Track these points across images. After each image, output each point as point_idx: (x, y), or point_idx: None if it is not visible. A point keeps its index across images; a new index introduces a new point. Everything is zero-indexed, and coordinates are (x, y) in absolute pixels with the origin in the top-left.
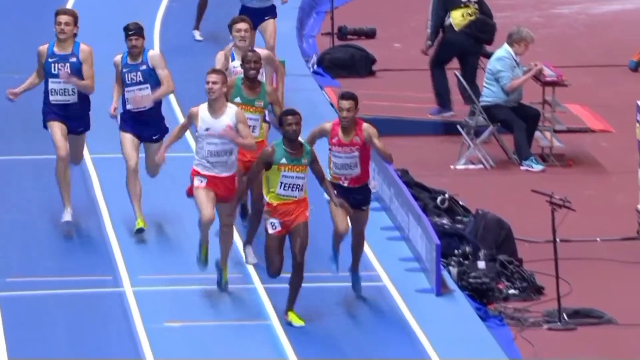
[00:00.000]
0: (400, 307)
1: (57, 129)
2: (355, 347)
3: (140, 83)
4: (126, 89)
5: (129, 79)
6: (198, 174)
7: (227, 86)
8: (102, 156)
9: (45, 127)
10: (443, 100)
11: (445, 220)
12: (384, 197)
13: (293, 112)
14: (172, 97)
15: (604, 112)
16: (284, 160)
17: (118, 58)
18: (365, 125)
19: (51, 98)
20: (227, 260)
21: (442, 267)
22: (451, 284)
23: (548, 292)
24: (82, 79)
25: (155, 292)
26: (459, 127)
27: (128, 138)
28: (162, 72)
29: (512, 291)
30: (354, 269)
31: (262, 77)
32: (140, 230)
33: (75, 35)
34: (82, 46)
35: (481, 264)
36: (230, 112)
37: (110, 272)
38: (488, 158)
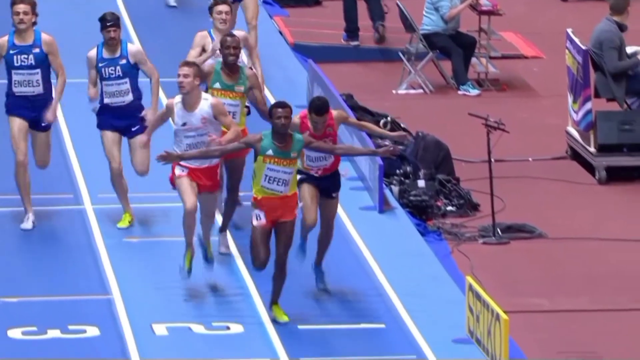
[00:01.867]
0: (345, 224)
1: (17, 127)
2: (304, 262)
3: (119, 77)
4: (105, 83)
5: (107, 73)
6: (179, 164)
7: (206, 72)
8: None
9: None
10: (350, 28)
11: (387, 142)
12: None
13: (283, 105)
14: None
15: (536, 39)
16: (270, 152)
17: (92, 53)
18: (335, 113)
19: (15, 90)
20: (209, 238)
21: (384, 185)
22: (393, 201)
23: (483, 209)
24: (47, 68)
25: (114, 210)
26: (400, 53)
27: (109, 137)
28: (146, 67)
29: (449, 208)
30: (317, 263)
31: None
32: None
33: (34, 24)
34: (45, 36)
35: (421, 183)
36: (205, 105)
37: (71, 190)
38: (428, 83)
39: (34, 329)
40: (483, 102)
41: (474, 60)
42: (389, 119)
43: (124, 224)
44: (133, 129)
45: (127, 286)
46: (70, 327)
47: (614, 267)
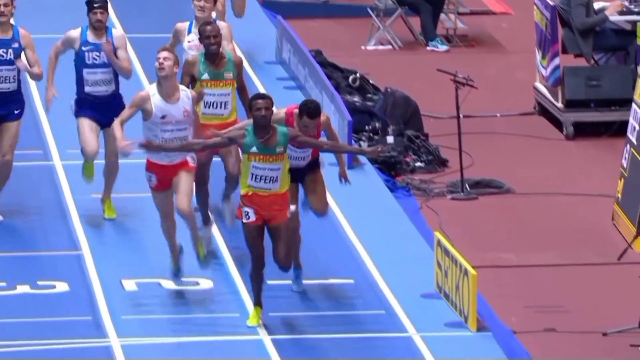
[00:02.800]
0: None
1: None
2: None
3: (104, 65)
4: (86, 70)
5: (91, 58)
6: (150, 167)
7: (191, 63)
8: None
9: None
10: None
11: (356, 98)
12: (299, 77)
13: (263, 96)
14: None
15: None
16: (254, 149)
17: (75, 33)
18: (323, 118)
19: None
20: (197, 234)
21: (353, 142)
22: (362, 157)
23: (452, 165)
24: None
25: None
26: (369, 9)
27: (86, 124)
28: (124, 54)
29: (418, 164)
30: (296, 265)
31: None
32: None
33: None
34: (22, 31)
35: (390, 139)
36: (185, 96)
37: (40, 145)
38: (396, 39)
39: (4, 284)
40: (451, 58)
41: (442, 16)
42: (357, 75)
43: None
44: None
45: (96, 242)
46: (40, 283)
47: (582, 222)
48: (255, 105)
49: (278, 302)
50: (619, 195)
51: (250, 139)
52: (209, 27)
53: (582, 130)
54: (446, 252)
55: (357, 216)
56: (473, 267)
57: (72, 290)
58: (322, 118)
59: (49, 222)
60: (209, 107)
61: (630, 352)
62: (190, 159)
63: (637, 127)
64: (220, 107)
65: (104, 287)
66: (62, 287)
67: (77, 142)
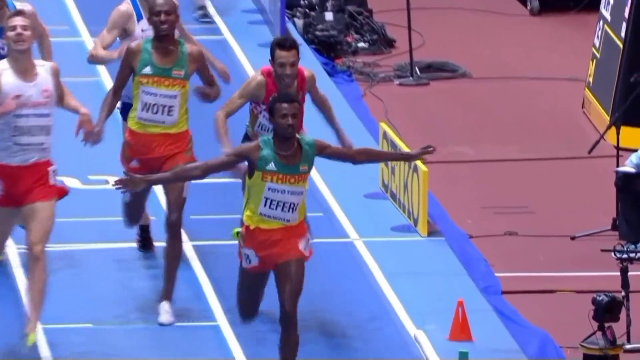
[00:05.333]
0: (241, 61)
1: None
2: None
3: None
4: None
5: None
6: None
7: (132, 52)
8: None
9: None
10: None
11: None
12: None
13: (290, 99)
14: None
15: None
16: (271, 167)
17: None
18: (307, 74)
19: None
20: (36, 317)
21: (286, 19)
22: (297, 37)
23: (399, 45)
24: None
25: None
26: None
27: None
28: (40, 27)
29: (361, 44)
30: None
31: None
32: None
33: None
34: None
35: (329, 15)
36: (44, 72)
37: None
38: None
39: None
40: None
41: None
42: None
43: None
44: None
45: None
46: None
47: (546, 110)
48: (280, 111)
49: None
50: (590, 79)
51: (269, 152)
52: (160, 1)
53: (549, 5)
54: (393, 145)
55: None
56: (424, 163)
57: None
58: (306, 73)
59: None
60: (147, 111)
61: (601, 258)
62: (52, 174)
63: (611, 1)
64: (162, 112)
65: None
66: None
67: None
